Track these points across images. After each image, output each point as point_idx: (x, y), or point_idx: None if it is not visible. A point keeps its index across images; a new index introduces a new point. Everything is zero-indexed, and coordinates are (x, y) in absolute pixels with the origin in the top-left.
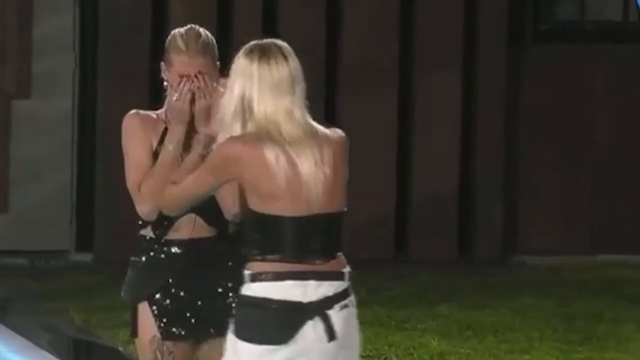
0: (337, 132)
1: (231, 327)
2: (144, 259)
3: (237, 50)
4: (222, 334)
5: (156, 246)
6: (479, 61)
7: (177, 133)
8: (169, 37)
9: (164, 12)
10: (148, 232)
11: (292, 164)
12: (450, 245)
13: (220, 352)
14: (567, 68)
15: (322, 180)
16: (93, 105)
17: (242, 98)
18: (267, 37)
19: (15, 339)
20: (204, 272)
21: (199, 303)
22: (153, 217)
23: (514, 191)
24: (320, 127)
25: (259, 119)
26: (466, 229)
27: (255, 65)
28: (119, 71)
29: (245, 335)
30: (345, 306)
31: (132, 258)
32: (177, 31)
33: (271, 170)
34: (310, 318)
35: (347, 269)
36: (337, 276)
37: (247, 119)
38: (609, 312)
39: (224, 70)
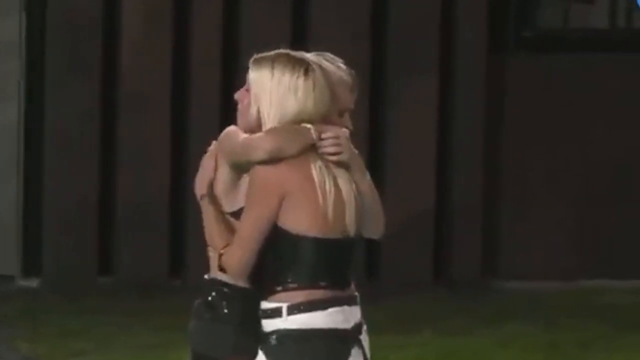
0: None
1: None
2: (238, 310)
3: (195, 48)
4: None
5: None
6: (457, 67)
7: None
8: (323, 71)
9: (116, 13)
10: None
11: (334, 181)
12: (425, 268)
13: None
14: (552, 76)
15: (355, 202)
16: (41, 113)
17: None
18: (227, 35)
19: None
20: None
21: None
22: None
23: (496, 209)
24: None
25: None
26: (443, 250)
27: (301, 79)
28: (69, 77)
29: None
30: (366, 330)
31: (214, 307)
32: (332, 66)
33: (314, 186)
34: (352, 346)
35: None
36: (356, 300)
37: None
38: (599, 341)
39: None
